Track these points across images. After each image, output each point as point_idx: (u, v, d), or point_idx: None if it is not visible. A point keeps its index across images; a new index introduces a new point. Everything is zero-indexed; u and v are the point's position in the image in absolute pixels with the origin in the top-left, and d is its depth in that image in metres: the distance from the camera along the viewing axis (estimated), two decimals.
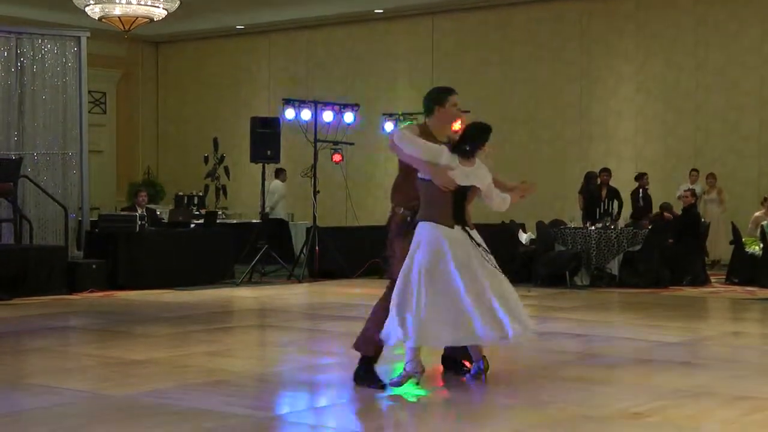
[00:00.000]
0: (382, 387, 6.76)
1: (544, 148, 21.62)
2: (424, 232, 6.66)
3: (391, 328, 6.59)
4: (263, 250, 15.72)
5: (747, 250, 15.80)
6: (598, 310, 12.37)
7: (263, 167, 16.60)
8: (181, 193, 21.75)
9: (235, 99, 25.70)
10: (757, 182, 18.67)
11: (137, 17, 17.52)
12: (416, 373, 6.72)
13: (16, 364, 8.41)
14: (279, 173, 20.15)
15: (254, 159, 16.40)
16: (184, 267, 15.04)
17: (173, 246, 15.23)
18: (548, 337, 9.77)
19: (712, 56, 19.97)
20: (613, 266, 15.40)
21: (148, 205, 17.45)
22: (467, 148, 6.73)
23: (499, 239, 17.00)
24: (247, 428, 5.90)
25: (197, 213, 18.99)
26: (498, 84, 22.11)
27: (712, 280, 15.73)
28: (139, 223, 15.07)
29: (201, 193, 22.04)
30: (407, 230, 6.79)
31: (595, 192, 17.94)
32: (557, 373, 7.70)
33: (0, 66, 14.89)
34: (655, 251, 15.32)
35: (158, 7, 17.54)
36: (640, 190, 18.71)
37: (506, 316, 6.61)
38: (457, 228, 6.72)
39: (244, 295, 14.06)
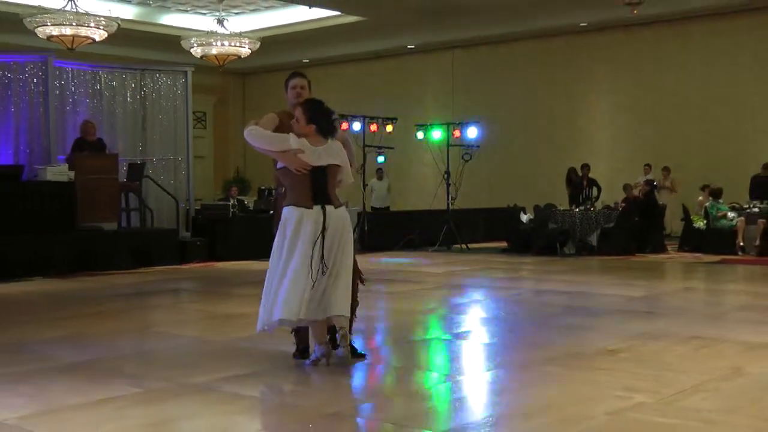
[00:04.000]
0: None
1: (540, 149, 21.51)
2: (285, 215, 5.54)
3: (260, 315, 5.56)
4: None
5: (694, 225, 15.69)
6: (581, 273, 12.32)
7: None
8: (263, 187, 21.71)
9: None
10: (702, 174, 18.46)
11: (229, 55, 17.64)
12: (323, 355, 5.60)
13: (143, 316, 8.55)
14: (377, 172, 19.36)
15: None
16: (266, 243, 15.00)
17: (258, 227, 15.24)
18: (542, 294, 9.79)
19: (665, 79, 19.82)
20: (593, 239, 15.33)
21: (238, 197, 17.59)
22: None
23: (505, 219, 17.12)
24: (321, 365, 5.83)
25: None
26: (504, 101, 22.00)
27: (669, 249, 15.62)
28: (232, 210, 15.20)
29: None
30: None
31: (579, 182, 17.87)
32: (549, 322, 7.71)
33: (129, 94, 15.07)
34: (625, 227, 15.23)
35: (244, 47, 17.65)
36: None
37: (331, 299, 5.40)
38: (316, 208, 5.42)
39: None
